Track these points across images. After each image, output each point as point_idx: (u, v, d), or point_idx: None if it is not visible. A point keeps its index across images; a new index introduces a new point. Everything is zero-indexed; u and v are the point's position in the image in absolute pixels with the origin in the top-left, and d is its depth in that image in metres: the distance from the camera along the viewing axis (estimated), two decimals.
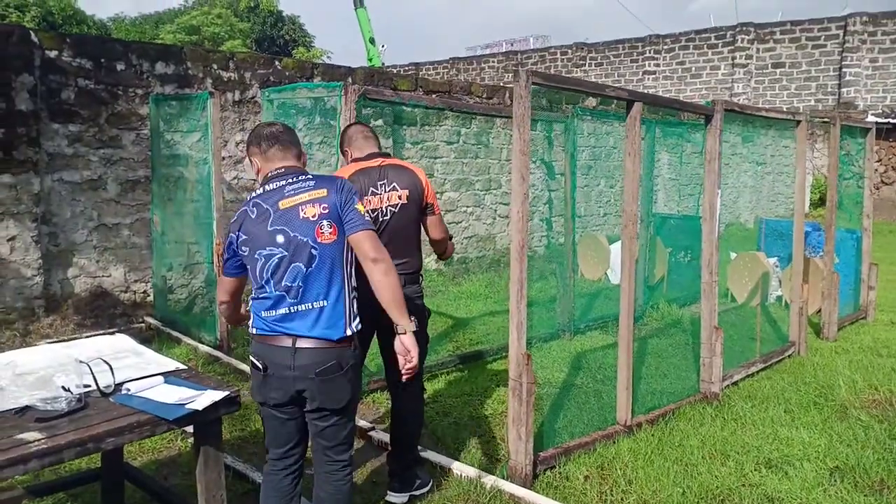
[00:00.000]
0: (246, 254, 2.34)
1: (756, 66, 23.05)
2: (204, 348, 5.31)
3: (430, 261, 8.43)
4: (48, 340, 5.24)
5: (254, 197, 2.38)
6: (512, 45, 31.72)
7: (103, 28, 30.96)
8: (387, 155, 3.20)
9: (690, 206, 9.02)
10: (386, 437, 3.53)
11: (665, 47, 24.89)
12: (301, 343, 2.28)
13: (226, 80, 7.00)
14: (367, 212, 2.60)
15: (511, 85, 3.86)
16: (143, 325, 6.13)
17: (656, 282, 7.41)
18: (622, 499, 3.20)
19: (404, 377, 2.50)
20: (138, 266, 6.50)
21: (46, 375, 2.36)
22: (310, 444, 2.53)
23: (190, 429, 2.59)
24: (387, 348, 3.14)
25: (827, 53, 21.81)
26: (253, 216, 2.33)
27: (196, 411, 2.20)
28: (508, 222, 9.14)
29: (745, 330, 5.84)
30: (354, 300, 2.38)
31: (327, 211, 2.31)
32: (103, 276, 6.31)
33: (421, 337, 3.10)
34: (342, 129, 3.53)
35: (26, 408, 2.12)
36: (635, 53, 25.53)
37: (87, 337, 3.89)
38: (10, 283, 5.70)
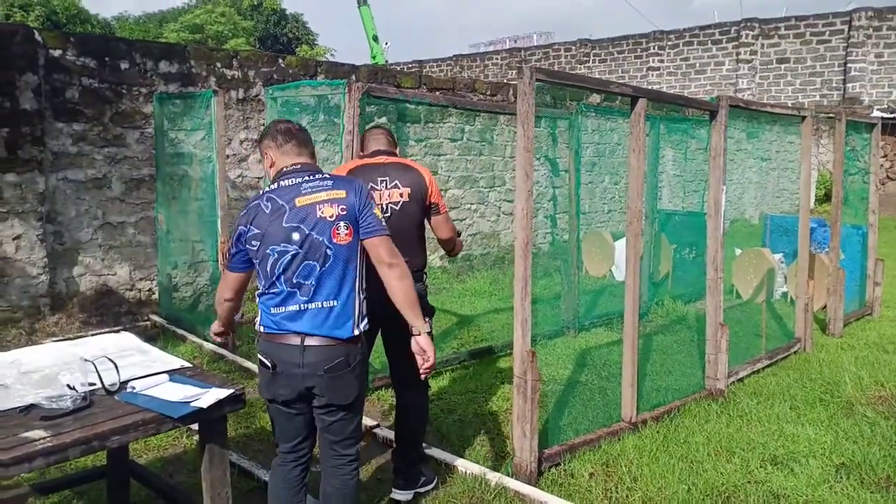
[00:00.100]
0: (256, 248, 2.32)
1: (761, 61, 22.96)
2: (209, 346, 5.32)
3: (434, 258, 8.43)
4: (54, 339, 5.26)
5: (268, 191, 2.36)
6: (515, 41, 31.66)
7: (107, 27, 31.01)
8: (392, 153, 3.19)
9: (695, 202, 9.01)
10: (391, 435, 3.53)
11: (669, 43, 24.80)
12: (309, 341, 2.29)
13: (229, 78, 7.00)
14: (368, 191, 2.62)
15: (515, 82, 3.84)
16: (148, 322, 6.14)
17: (661, 278, 7.40)
18: (627, 496, 3.20)
19: (422, 375, 2.55)
20: (143, 264, 6.52)
21: (51, 374, 2.36)
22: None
23: (195, 426, 2.59)
24: (391, 347, 3.15)
25: (832, 49, 21.70)
26: (267, 211, 2.31)
27: (201, 409, 2.20)
28: (513, 219, 9.12)
29: (751, 326, 5.82)
30: (364, 301, 2.39)
31: (345, 212, 2.32)
32: (108, 274, 6.33)
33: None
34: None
35: (31, 406, 2.13)
36: (639, 49, 25.45)
37: (92, 335, 3.91)
38: (16, 281, 5.72)
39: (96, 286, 6.24)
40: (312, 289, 2.30)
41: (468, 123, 9.05)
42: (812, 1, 23.80)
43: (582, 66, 26.44)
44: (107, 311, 6.16)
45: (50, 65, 5.86)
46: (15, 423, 2.03)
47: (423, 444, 3.41)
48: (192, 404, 2.21)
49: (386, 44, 26.35)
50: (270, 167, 2.46)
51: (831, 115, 9.86)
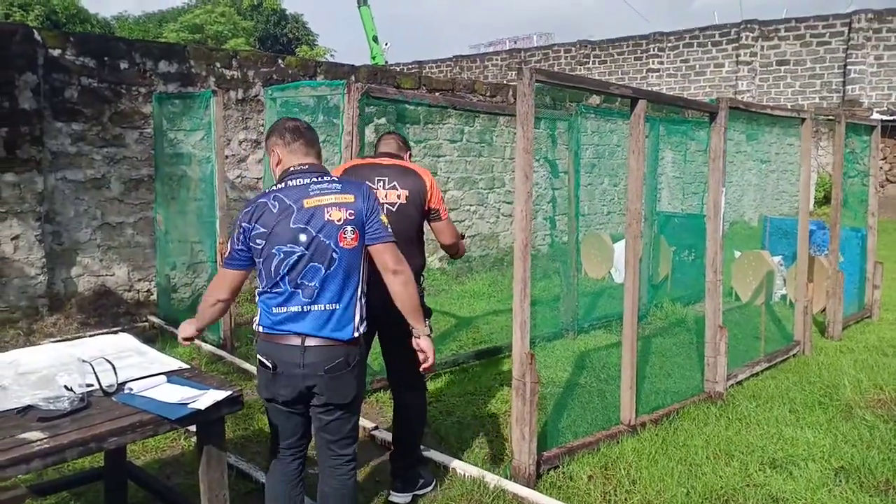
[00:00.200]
0: (260, 247, 2.31)
1: (760, 63, 22.98)
2: (207, 347, 5.31)
3: (433, 259, 8.42)
4: (52, 339, 5.25)
5: (274, 190, 2.35)
6: (515, 42, 31.68)
7: (107, 27, 31.01)
8: (398, 157, 3.19)
9: (694, 204, 9.01)
10: (389, 437, 3.52)
11: (669, 45, 24.81)
12: (310, 342, 2.31)
13: (229, 78, 7.00)
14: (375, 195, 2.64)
15: (514, 83, 3.84)
16: (146, 323, 6.13)
17: (660, 281, 7.40)
18: (626, 499, 3.19)
19: (422, 370, 2.64)
20: (142, 265, 6.50)
21: (49, 375, 2.35)
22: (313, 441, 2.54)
23: (193, 428, 2.58)
24: (388, 349, 3.15)
25: (832, 51, 21.72)
26: (274, 210, 2.30)
27: (199, 411, 2.19)
28: (512, 221, 9.12)
29: (750, 329, 5.82)
30: (364, 305, 2.42)
31: (353, 217, 2.34)
32: (107, 274, 6.32)
33: None
34: None
35: (29, 407, 2.12)
36: (639, 51, 25.46)
37: (90, 336, 3.90)
38: (14, 281, 5.71)
39: (95, 287, 6.23)
40: (316, 291, 2.31)
41: (468, 124, 9.04)
42: (812, 3, 23.78)
43: (582, 68, 26.45)
44: (105, 311, 6.15)
45: (49, 64, 5.86)
46: (12, 424, 2.02)
47: (422, 447, 3.40)
48: (189, 406, 2.20)
49: (386, 44, 26.37)
50: (276, 165, 2.46)
51: (831, 117, 9.86)
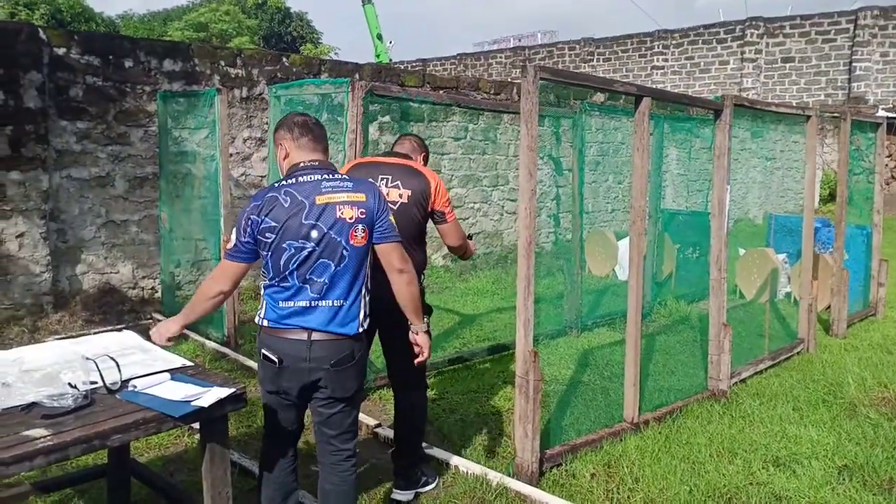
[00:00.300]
0: (270, 240, 2.31)
1: (765, 60, 22.88)
2: (211, 344, 5.33)
3: (437, 257, 8.42)
4: (56, 336, 5.27)
5: (285, 185, 2.35)
6: (520, 40, 31.63)
7: (112, 25, 31.09)
8: (408, 157, 3.20)
9: (699, 201, 8.98)
10: (392, 434, 3.52)
11: (674, 42, 24.74)
12: (316, 336, 2.34)
13: (233, 76, 7.01)
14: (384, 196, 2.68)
15: (519, 80, 3.84)
16: (151, 321, 6.15)
17: (664, 278, 7.38)
18: (629, 497, 3.19)
19: (416, 362, 2.72)
20: (146, 262, 6.52)
21: (53, 372, 2.35)
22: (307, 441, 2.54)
23: (196, 425, 2.59)
24: (390, 348, 3.16)
25: (837, 48, 21.62)
26: (286, 205, 2.31)
27: (202, 408, 2.19)
28: (516, 218, 9.11)
29: (754, 327, 5.80)
30: (368, 301, 2.46)
31: (364, 216, 2.38)
32: (111, 272, 6.34)
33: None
34: None
35: (33, 404, 2.12)
36: (643, 48, 25.39)
37: (94, 333, 3.91)
38: (19, 279, 5.74)
39: (99, 284, 6.25)
40: (325, 287, 2.34)
41: (472, 122, 9.03)
42: (817, 0, 23.68)
43: (586, 65, 26.39)
44: (109, 309, 6.17)
45: (54, 63, 5.87)
46: (16, 421, 2.03)
47: (424, 444, 3.41)
48: (193, 403, 2.20)
49: (390, 42, 26.37)
50: (284, 159, 2.47)
51: (836, 114, 9.82)
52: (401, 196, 3.05)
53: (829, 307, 6.27)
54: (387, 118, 8.05)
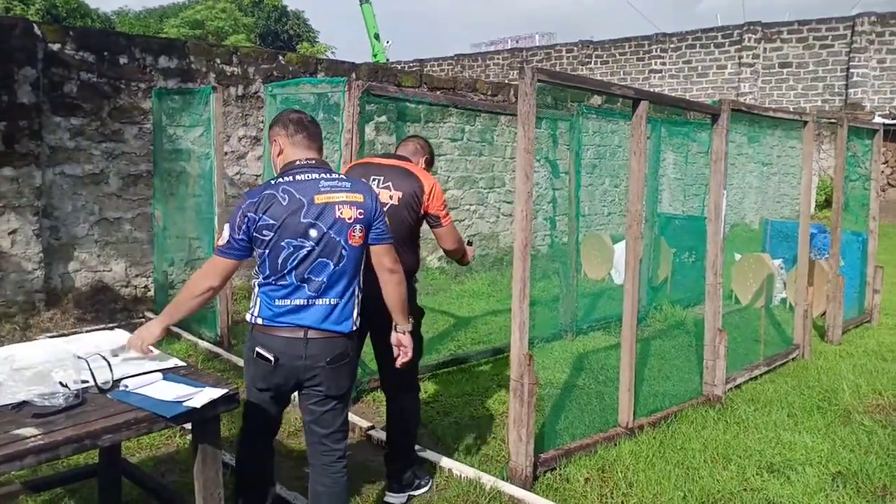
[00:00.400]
0: (268, 238, 2.30)
1: (763, 65, 22.96)
2: (204, 344, 5.30)
3: (433, 258, 8.41)
4: (48, 334, 5.23)
5: (282, 183, 2.35)
6: (517, 42, 31.64)
7: (107, 21, 30.99)
8: (406, 160, 3.19)
9: (695, 206, 8.98)
10: (385, 437, 3.51)
11: (671, 46, 24.80)
12: (311, 334, 2.36)
13: (229, 74, 6.98)
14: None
15: (516, 82, 3.83)
16: (143, 320, 6.11)
17: (660, 282, 7.38)
18: (623, 502, 3.18)
19: (398, 364, 2.75)
20: (139, 261, 6.49)
21: (44, 371, 2.33)
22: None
23: (188, 425, 2.57)
24: (381, 351, 3.14)
25: (834, 53, 21.71)
26: (284, 203, 2.30)
27: (194, 409, 2.17)
28: (512, 221, 9.11)
29: (749, 332, 5.80)
30: (360, 300, 2.49)
31: (362, 216, 2.41)
32: (104, 270, 6.30)
33: (414, 337, 3.11)
34: None
35: (23, 403, 2.10)
36: (641, 52, 25.44)
37: (86, 332, 3.88)
38: (11, 276, 5.69)
39: (92, 282, 6.21)
40: (323, 286, 2.35)
41: (468, 123, 9.02)
42: (815, 5, 23.82)
43: (584, 68, 26.43)
44: (102, 307, 6.13)
45: (49, 59, 5.83)
46: (7, 420, 2.01)
47: (418, 447, 3.39)
48: (185, 404, 2.18)
49: (387, 42, 26.37)
50: (278, 155, 2.48)
51: (833, 120, 9.84)
52: (391, 197, 3.04)
53: (824, 313, 6.28)
54: (383, 118, 8.03)
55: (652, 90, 21.14)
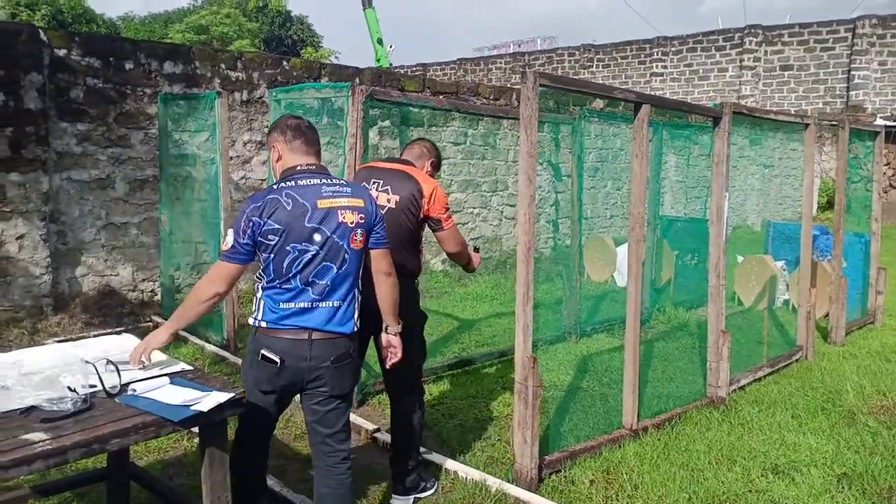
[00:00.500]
0: (273, 243, 2.34)
1: (764, 68, 22.95)
2: (210, 348, 5.32)
3: (437, 262, 8.42)
4: (56, 339, 5.26)
5: (285, 188, 2.38)
6: (519, 46, 31.68)
7: (113, 27, 31.08)
8: (409, 164, 3.20)
9: (697, 208, 9.00)
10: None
11: (673, 49, 24.81)
12: (316, 336, 2.40)
13: (234, 79, 7.02)
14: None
15: (518, 86, 3.85)
16: (150, 324, 6.14)
17: (663, 285, 7.39)
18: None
19: (388, 365, 2.82)
20: (146, 265, 6.52)
21: (52, 375, 2.35)
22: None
23: (196, 428, 2.59)
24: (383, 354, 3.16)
25: (835, 56, 21.69)
26: (288, 207, 2.34)
27: (201, 413, 2.19)
28: (515, 224, 9.12)
29: (752, 334, 5.81)
30: (360, 302, 2.55)
31: (363, 221, 2.47)
32: (111, 274, 6.33)
33: (418, 342, 3.13)
34: None
35: (32, 408, 2.12)
36: (643, 55, 25.45)
37: (94, 336, 3.90)
38: (19, 281, 5.73)
39: (99, 287, 6.25)
40: (327, 289, 2.41)
41: (471, 127, 9.05)
42: (816, 8, 23.83)
43: (585, 71, 26.45)
44: (109, 311, 6.16)
45: (55, 64, 5.88)
46: (15, 424, 2.02)
47: (423, 449, 3.41)
48: (192, 408, 2.20)
49: (391, 47, 26.39)
50: (277, 161, 2.52)
51: (834, 122, 9.84)
52: (388, 201, 3.07)
53: (827, 315, 6.28)
54: (387, 123, 8.06)
55: (653, 93, 21.14)
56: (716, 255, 4.46)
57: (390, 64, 25.31)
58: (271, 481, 3.22)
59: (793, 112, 17.66)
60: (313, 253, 2.36)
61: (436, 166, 3.34)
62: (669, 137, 7.32)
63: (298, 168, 2.45)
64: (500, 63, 29.25)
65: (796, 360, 5.42)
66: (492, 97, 9.59)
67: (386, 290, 2.64)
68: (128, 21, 34.83)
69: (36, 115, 5.74)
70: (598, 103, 9.75)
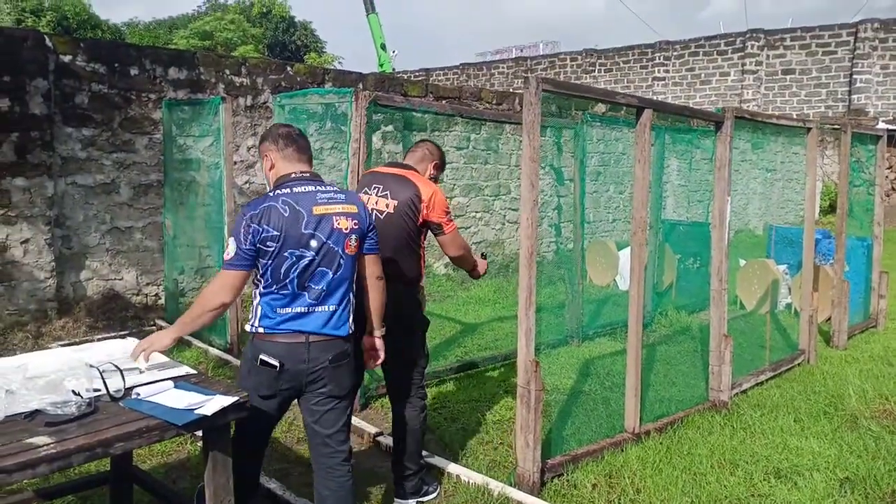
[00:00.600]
0: (271, 249, 2.37)
1: (766, 72, 22.96)
2: (214, 351, 5.34)
3: (439, 265, 8.44)
4: (60, 343, 5.28)
5: (281, 195, 2.42)
6: (522, 50, 31.76)
7: (117, 33, 31.20)
8: (409, 168, 3.22)
9: (700, 212, 9.00)
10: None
11: (675, 53, 24.82)
12: (312, 338, 2.44)
13: (238, 85, 7.05)
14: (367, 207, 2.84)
15: (521, 91, 3.87)
16: (154, 328, 6.16)
17: (665, 288, 7.39)
18: None
19: (369, 366, 2.88)
20: (150, 269, 6.55)
21: (57, 379, 2.37)
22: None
23: (199, 432, 2.60)
24: (386, 359, 3.17)
25: (837, 60, 21.69)
26: (285, 214, 2.38)
27: (205, 417, 2.20)
28: (517, 228, 9.13)
29: (755, 338, 5.80)
30: (354, 305, 2.59)
31: (357, 227, 2.52)
32: (115, 279, 6.36)
33: (420, 346, 3.13)
34: None
35: (36, 412, 2.13)
36: (645, 60, 25.48)
37: (98, 340, 3.92)
38: (24, 285, 5.76)
39: (103, 291, 6.27)
40: (322, 294, 2.45)
41: (474, 132, 9.07)
42: (818, 12, 23.83)
43: (587, 76, 26.48)
44: (113, 315, 6.18)
45: (60, 70, 5.92)
46: (19, 428, 2.03)
47: (425, 453, 3.41)
48: (196, 412, 2.21)
49: (394, 52, 26.43)
50: (270, 170, 2.56)
51: (837, 126, 9.84)
52: (387, 206, 3.08)
53: (829, 319, 6.27)
54: (390, 127, 8.08)
55: (655, 98, 21.19)
56: (718, 259, 4.46)
57: (393, 69, 25.36)
58: (274, 485, 3.24)
59: (795, 116, 17.64)
60: (310, 259, 2.41)
61: (439, 168, 3.33)
62: (672, 141, 7.33)
63: (293, 175, 2.49)
64: (503, 68, 29.29)
65: (798, 364, 5.42)
66: (494, 102, 9.61)
67: (377, 294, 2.69)
68: (132, 27, 34.96)
69: (41, 120, 5.77)
70: (601, 107, 9.77)
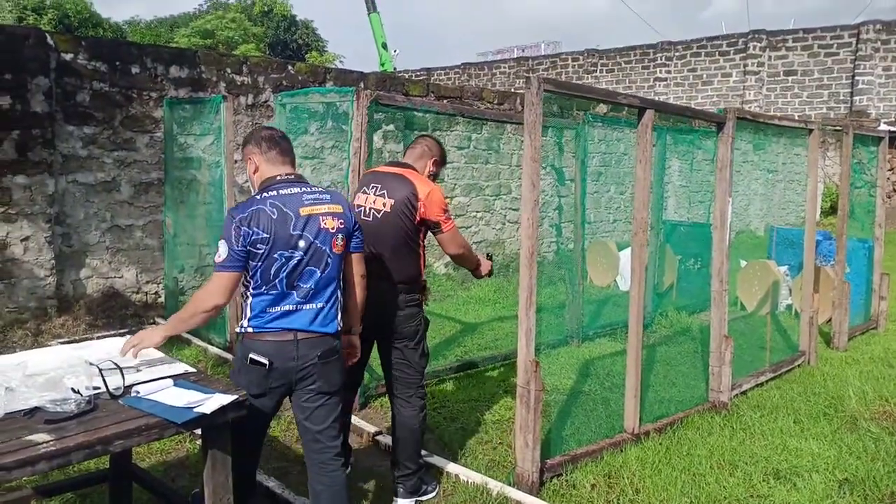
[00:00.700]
0: (261, 251, 2.40)
1: (768, 73, 22.94)
2: (214, 350, 5.34)
3: (440, 265, 8.44)
4: (60, 340, 5.28)
5: (268, 197, 2.46)
6: (523, 50, 31.74)
7: (119, 31, 31.21)
8: (407, 167, 3.21)
9: (701, 213, 8.99)
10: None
11: (677, 54, 24.81)
12: (301, 336, 2.48)
13: (239, 83, 7.05)
14: (353, 206, 2.88)
15: (522, 91, 3.86)
16: (153, 326, 6.16)
17: (665, 289, 7.39)
18: None
19: (347, 365, 2.82)
20: (150, 267, 6.55)
21: (56, 377, 2.37)
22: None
23: (199, 430, 2.60)
24: (385, 359, 3.18)
25: (839, 61, 21.67)
26: (273, 216, 2.42)
27: (205, 415, 2.21)
28: (518, 228, 9.12)
29: (755, 339, 5.80)
30: (342, 304, 2.63)
31: (343, 226, 2.56)
32: (115, 277, 6.36)
33: (421, 345, 3.14)
34: None
35: (36, 409, 2.13)
36: (647, 60, 25.46)
37: (98, 338, 3.92)
38: (24, 282, 5.76)
39: (103, 289, 6.27)
40: (311, 292, 2.49)
41: (475, 132, 9.07)
42: (820, 13, 23.82)
43: (589, 76, 26.47)
44: (113, 313, 6.18)
45: (61, 68, 5.92)
46: (19, 425, 2.04)
47: (424, 452, 3.41)
48: (195, 410, 2.21)
49: (395, 51, 26.44)
50: (254, 173, 2.59)
51: (838, 127, 9.83)
52: (384, 205, 3.08)
53: (830, 320, 6.27)
54: (391, 127, 8.08)
55: (657, 98, 21.17)
56: (719, 260, 4.46)
57: (394, 68, 25.37)
58: (273, 483, 3.24)
59: (796, 117, 17.63)
60: (298, 259, 2.44)
61: (438, 164, 3.30)
62: (673, 142, 7.33)
63: (278, 178, 2.52)
64: (504, 68, 29.29)
65: (799, 366, 5.42)
66: (496, 102, 9.61)
67: (360, 292, 2.73)
68: (134, 25, 34.98)
69: (42, 118, 5.77)
70: (602, 108, 9.76)
